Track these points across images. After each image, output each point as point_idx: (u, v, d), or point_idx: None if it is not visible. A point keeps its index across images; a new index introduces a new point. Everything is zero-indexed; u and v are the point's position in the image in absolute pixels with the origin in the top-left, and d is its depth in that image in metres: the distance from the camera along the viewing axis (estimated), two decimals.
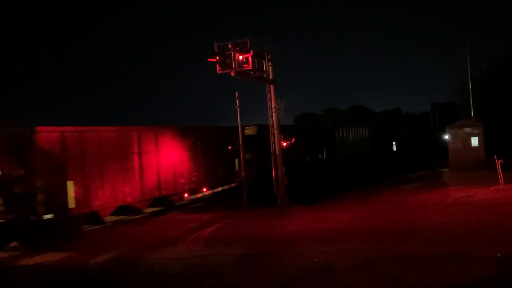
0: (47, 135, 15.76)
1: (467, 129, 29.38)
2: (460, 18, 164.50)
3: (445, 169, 30.43)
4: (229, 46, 17.64)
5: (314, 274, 9.97)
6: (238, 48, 17.62)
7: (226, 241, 14.19)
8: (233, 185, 23.24)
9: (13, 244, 15.69)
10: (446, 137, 30.92)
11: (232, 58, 17.53)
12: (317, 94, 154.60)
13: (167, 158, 20.99)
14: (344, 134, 37.10)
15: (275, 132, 20.56)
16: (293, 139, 22.03)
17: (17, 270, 12.99)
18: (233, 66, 17.60)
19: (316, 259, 10.90)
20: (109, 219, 18.64)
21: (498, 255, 10.01)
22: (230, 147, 22.76)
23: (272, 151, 20.81)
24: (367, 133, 41.03)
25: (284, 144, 21.02)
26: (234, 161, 23.62)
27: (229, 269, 10.88)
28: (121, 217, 19.69)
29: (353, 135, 38.74)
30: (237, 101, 21.73)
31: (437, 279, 9.12)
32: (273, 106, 20.53)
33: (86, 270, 12.14)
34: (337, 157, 33.88)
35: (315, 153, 31.67)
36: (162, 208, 21.34)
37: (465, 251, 10.51)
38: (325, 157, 32.36)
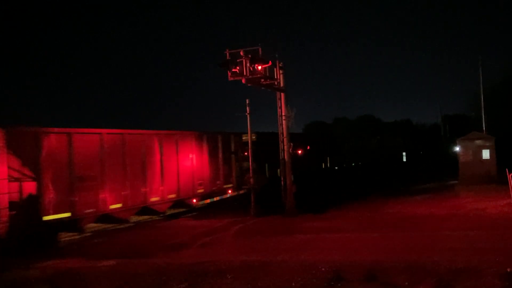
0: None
1: (478, 142, 29.10)
2: (473, 30, 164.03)
3: (455, 181, 30.15)
4: (241, 53, 17.74)
5: (321, 283, 9.90)
6: (249, 56, 17.70)
7: (232, 248, 14.15)
8: (241, 191, 23.21)
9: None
10: (457, 149, 30.67)
11: (244, 65, 17.61)
12: (329, 103, 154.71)
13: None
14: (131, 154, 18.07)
15: (285, 140, 20.54)
16: (308, 147, 21.96)
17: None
18: (245, 74, 17.67)
19: (323, 268, 10.83)
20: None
21: (508, 270, 9.89)
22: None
23: (280, 159, 20.78)
24: (232, 148, 24.07)
25: (300, 151, 21.10)
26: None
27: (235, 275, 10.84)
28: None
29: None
30: (247, 108, 21.74)
31: None
32: (283, 114, 20.53)
33: None
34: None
35: None
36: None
37: (474, 265, 10.39)
38: None
